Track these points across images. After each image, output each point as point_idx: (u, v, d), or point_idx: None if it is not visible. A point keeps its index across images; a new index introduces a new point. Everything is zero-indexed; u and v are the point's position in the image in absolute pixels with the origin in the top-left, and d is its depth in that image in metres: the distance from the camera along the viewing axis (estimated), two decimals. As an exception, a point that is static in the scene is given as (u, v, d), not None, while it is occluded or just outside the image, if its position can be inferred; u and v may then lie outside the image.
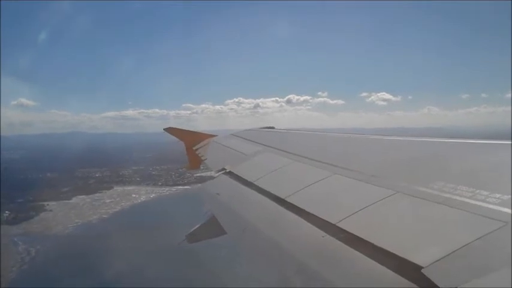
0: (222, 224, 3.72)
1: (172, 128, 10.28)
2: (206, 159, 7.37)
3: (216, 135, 9.31)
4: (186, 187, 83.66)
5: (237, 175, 4.72)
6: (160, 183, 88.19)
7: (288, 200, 3.12)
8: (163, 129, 10.33)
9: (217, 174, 5.27)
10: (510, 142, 2.90)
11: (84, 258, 47.38)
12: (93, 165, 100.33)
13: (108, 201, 75.83)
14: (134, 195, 79.57)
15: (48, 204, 71.42)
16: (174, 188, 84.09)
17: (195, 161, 8.61)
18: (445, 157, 3.19)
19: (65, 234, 57.78)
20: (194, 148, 8.90)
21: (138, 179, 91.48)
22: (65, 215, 67.01)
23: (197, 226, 5.01)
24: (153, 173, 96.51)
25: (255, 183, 3.97)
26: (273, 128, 8.79)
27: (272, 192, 3.47)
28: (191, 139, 9.48)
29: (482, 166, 2.68)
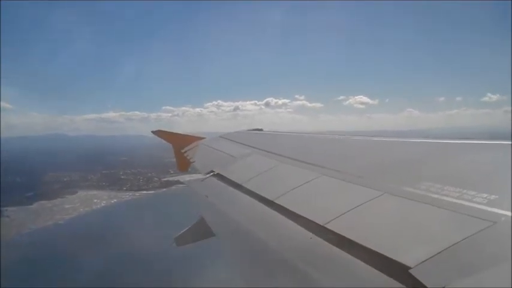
0: (211, 226, 3.73)
1: (161, 130, 10.22)
2: (195, 161, 7.34)
3: (205, 138, 9.29)
4: (150, 192, 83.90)
5: (225, 177, 4.72)
6: (125, 188, 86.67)
7: (277, 201, 3.15)
8: (152, 131, 10.26)
9: (205, 177, 5.24)
10: (497, 142, 3.01)
11: (30, 267, 47.68)
12: (64, 168, 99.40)
13: (67, 206, 74.27)
14: (96, 200, 78.27)
15: (7, 210, 71.04)
16: (137, 193, 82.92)
17: (184, 164, 8.58)
18: (431, 158, 3.21)
19: (14, 241, 57.98)
20: (183, 151, 8.85)
21: (104, 183, 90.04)
22: (22, 221, 66.18)
23: (186, 228, 4.95)
24: (122, 177, 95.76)
25: (244, 185, 3.99)
26: (261, 130, 8.83)
27: (261, 194, 3.49)
28: (180, 141, 9.43)
29: (469, 166, 2.71)
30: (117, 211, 71.44)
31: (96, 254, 48.44)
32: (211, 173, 5.24)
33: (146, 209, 69.33)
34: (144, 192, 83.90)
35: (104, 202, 78.39)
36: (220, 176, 4.95)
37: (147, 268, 44.71)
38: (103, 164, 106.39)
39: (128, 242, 50.18)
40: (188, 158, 8.15)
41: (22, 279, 44.47)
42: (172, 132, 10.13)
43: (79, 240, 53.67)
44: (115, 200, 79.59)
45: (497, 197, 1.98)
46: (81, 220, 67.17)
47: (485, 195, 2.02)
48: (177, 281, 40.52)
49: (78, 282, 43.22)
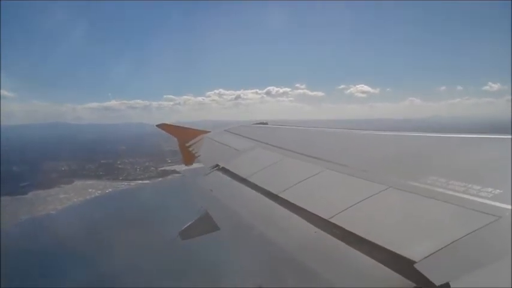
0: (216, 220, 3.73)
1: (165, 124, 10.11)
2: (199, 155, 7.31)
3: (209, 131, 9.18)
4: (145, 182, 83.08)
5: (230, 171, 4.71)
6: (121, 178, 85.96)
7: (281, 195, 3.13)
8: (156, 125, 10.17)
9: (210, 170, 5.23)
10: (502, 136, 2.98)
11: (17, 259, 47.05)
12: (63, 157, 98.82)
13: (62, 196, 73.59)
14: (91, 190, 77.53)
15: (0, 200, 71.29)
16: (133, 183, 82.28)
17: (189, 158, 8.48)
18: (436, 152, 3.22)
19: (3, 232, 57.39)
20: (187, 144, 8.75)
21: (101, 172, 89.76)
22: (14, 211, 65.65)
23: (190, 222, 5.00)
24: (120, 166, 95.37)
25: (248, 179, 3.98)
26: (266, 123, 8.81)
27: (265, 188, 3.49)
28: (184, 135, 9.32)
29: (474, 161, 2.69)
30: (109, 201, 70.60)
31: (83, 245, 47.82)
32: (216, 167, 5.19)
33: (138, 199, 68.32)
34: (140, 181, 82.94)
35: (99, 192, 77.57)
36: (224, 170, 4.90)
37: (131, 258, 43.79)
38: (102, 153, 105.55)
39: (113, 233, 49.24)
40: (193, 152, 8.08)
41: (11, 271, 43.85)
42: (176, 126, 10.03)
43: (68, 231, 52.64)
44: (110, 190, 78.78)
45: (502, 191, 1.97)
46: (73, 210, 66.49)
47: (490, 189, 2.02)
48: (167, 270, 39.38)
49: (61, 273, 42.52)
